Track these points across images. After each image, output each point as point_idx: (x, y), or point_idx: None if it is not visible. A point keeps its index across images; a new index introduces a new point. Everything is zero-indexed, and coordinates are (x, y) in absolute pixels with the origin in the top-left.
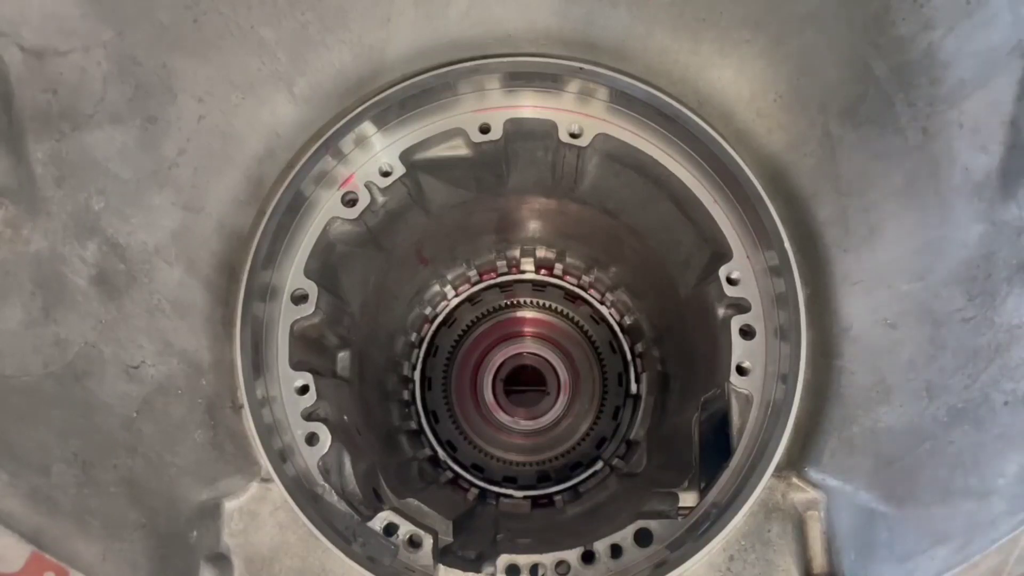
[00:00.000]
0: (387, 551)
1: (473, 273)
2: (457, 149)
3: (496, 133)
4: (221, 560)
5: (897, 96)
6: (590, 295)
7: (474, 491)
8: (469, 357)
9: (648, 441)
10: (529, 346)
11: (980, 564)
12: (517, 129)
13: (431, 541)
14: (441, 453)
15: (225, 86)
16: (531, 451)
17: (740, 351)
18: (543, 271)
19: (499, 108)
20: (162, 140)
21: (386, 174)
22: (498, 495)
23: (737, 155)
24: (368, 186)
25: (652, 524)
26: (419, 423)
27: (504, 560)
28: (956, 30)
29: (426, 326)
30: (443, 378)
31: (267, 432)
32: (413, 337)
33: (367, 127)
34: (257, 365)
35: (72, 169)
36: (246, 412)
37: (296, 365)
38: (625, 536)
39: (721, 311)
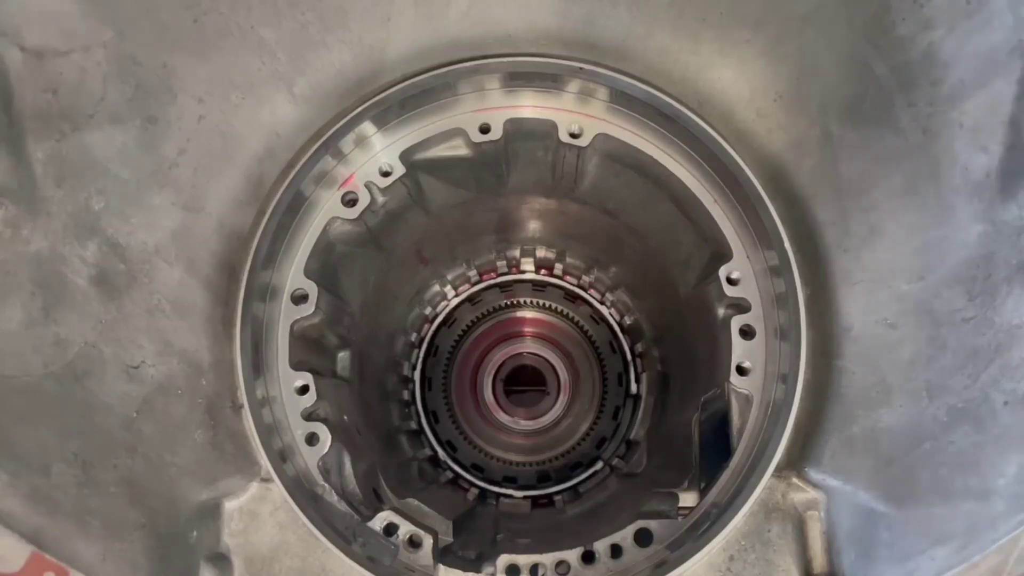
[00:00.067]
0: (387, 551)
1: (473, 273)
2: (457, 149)
3: (496, 133)
4: (221, 560)
5: (897, 96)
6: (590, 295)
7: (474, 491)
8: (469, 357)
9: (648, 441)
10: (529, 346)
11: (980, 564)
12: (517, 129)
13: (431, 541)
14: (441, 453)
15: (225, 86)
16: (531, 451)
17: (740, 351)
18: (543, 271)
19: (499, 108)
20: (162, 140)
21: (386, 174)
22: (498, 495)
23: (737, 155)
24: (368, 186)
25: (652, 524)
26: (419, 423)
27: (504, 560)
28: (956, 30)
29: (426, 326)
30: (443, 378)
31: (267, 432)
32: (413, 337)
33: (367, 127)
34: (257, 365)
35: (72, 169)
36: (246, 412)
37: (296, 365)
38: (625, 536)
39: (721, 311)
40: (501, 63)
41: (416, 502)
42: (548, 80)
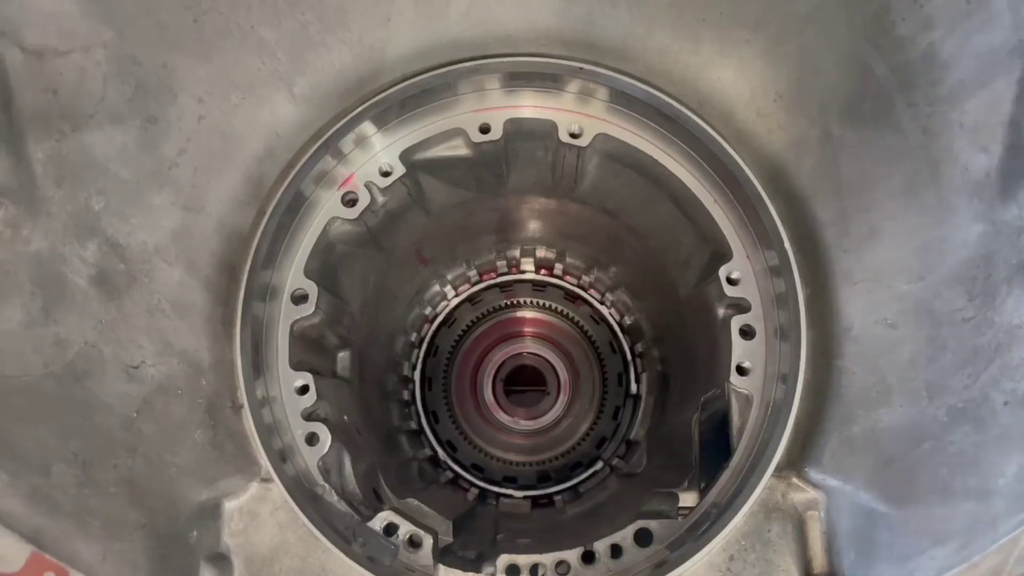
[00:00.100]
0: (387, 551)
1: (473, 273)
2: (457, 149)
3: (496, 133)
4: (221, 560)
5: (897, 96)
6: (590, 295)
7: (474, 491)
8: (469, 357)
9: (648, 441)
10: (529, 346)
11: (980, 564)
12: (517, 129)
13: (431, 541)
14: (441, 453)
15: (225, 86)
16: (531, 451)
17: (740, 351)
18: (543, 271)
19: (499, 108)
20: (162, 140)
21: (386, 174)
22: (498, 495)
23: (737, 155)
24: (368, 186)
25: (652, 524)
26: (419, 423)
27: (504, 560)
28: (956, 30)
29: (426, 326)
30: (443, 378)
31: (267, 432)
32: (413, 337)
33: (367, 127)
34: (257, 365)
35: (72, 169)
36: (246, 412)
37: (296, 365)
38: (625, 536)
39: (721, 311)
40: (501, 63)
41: (416, 502)
42: (548, 80)
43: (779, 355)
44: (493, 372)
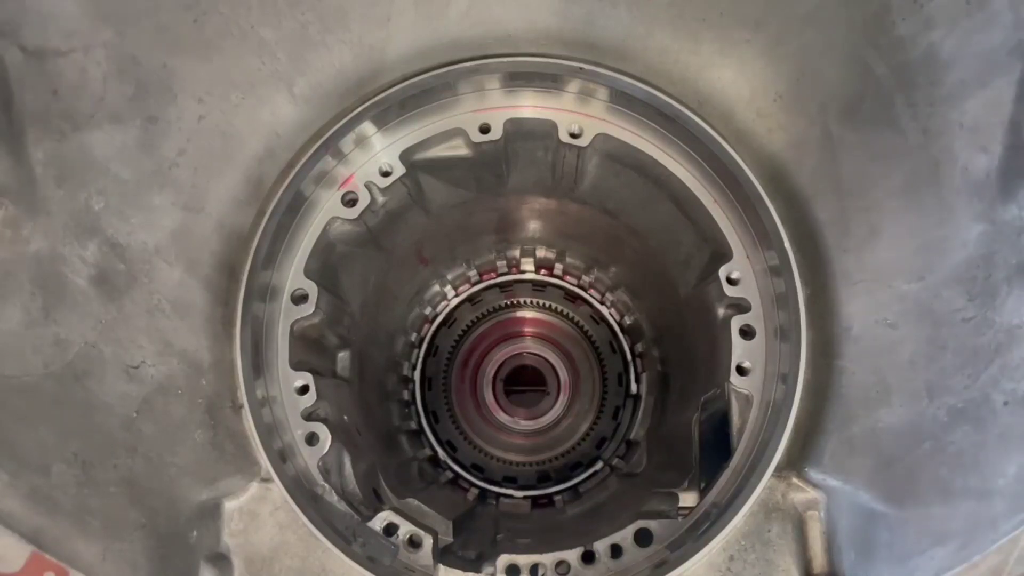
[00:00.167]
0: (387, 551)
1: (473, 273)
2: (457, 149)
3: (496, 133)
4: (221, 560)
5: (897, 96)
6: (590, 295)
7: (474, 491)
8: (469, 357)
9: (648, 441)
10: (529, 346)
11: (980, 564)
12: (517, 129)
13: (431, 541)
14: (441, 453)
15: (225, 86)
16: (531, 451)
17: (740, 351)
18: (543, 271)
19: (499, 108)
20: (162, 140)
21: (386, 174)
22: (498, 495)
23: (737, 155)
24: (368, 186)
25: (652, 524)
26: (419, 423)
27: (504, 560)
28: (956, 30)
29: (426, 326)
30: (443, 378)
31: (267, 432)
32: (413, 337)
33: (367, 127)
34: (257, 365)
35: (72, 169)
36: (246, 412)
37: (296, 365)
38: (625, 536)
39: (721, 311)
40: (501, 63)
41: (416, 502)
42: (548, 80)
43: (779, 355)
44: (493, 372)
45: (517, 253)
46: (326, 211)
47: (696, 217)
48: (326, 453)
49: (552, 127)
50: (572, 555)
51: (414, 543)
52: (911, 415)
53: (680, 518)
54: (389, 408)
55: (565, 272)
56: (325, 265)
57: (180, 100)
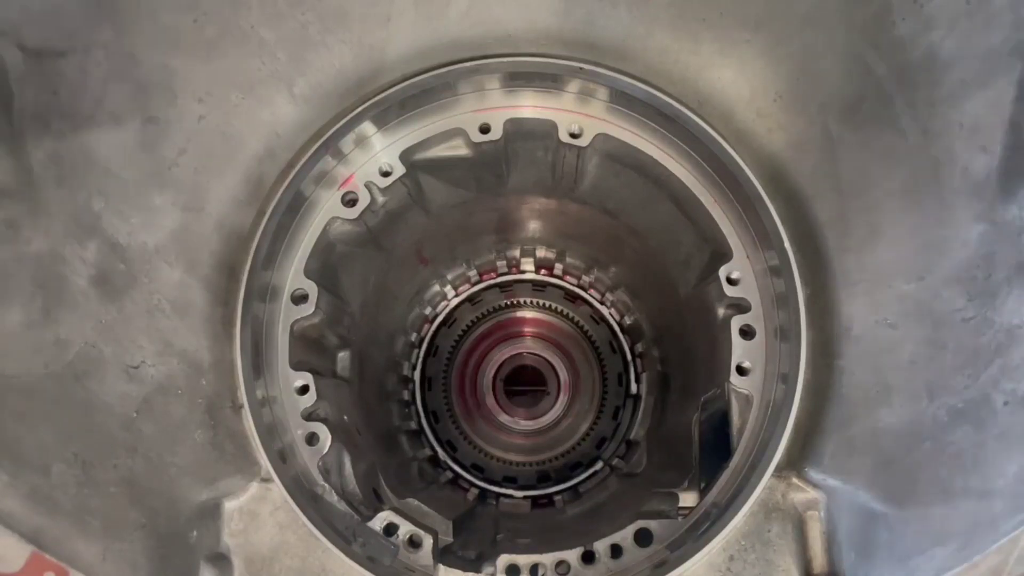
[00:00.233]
0: (387, 551)
1: (473, 273)
2: (457, 149)
3: (496, 133)
4: (221, 560)
5: (897, 96)
6: (590, 295)
7: (474, 491)
8: (469, 357)
9: (648, 441)
10: (529, 346)
11: (980, 564)
12: (517, 129)
13: (431, 541)
14: (441, 453)
15: (225, 86)
16: (531, 451)
17: (740, 351)
18: (543, 271)
19: (499, 108)
20: (162, 140)
21: (386, 174)
22: (498, 495)
23: (737, 155)
24: (368, 186)
25: (652, 524)
26: (419, 423)
27: (504, 560)
28: (956, 30)
29: (426, 326)
30: (443, 378)
31: (267, 432)
32: (413, 337)
33: (367, 127)
34: (257, 365)
35: (72, 169)
36: (246, 412)
37: (296, 365)
38: (625, 536)
39: (721, 311)
40: (501, 63)
41: (416, 502)
42: (548, 80)
43: (779, 355)
44: (493, 372)
45: (517, 253)
46: (326, 211)
47: (696, 217)
48: (326, 453)
49: (552, 127)
50: (572, 555)
51: (414, 543)
52: (911, 415)
53: (680, 518)
54: (389, 408)
55: (565, 272)
56: (325, 265)
57: (180, 100)
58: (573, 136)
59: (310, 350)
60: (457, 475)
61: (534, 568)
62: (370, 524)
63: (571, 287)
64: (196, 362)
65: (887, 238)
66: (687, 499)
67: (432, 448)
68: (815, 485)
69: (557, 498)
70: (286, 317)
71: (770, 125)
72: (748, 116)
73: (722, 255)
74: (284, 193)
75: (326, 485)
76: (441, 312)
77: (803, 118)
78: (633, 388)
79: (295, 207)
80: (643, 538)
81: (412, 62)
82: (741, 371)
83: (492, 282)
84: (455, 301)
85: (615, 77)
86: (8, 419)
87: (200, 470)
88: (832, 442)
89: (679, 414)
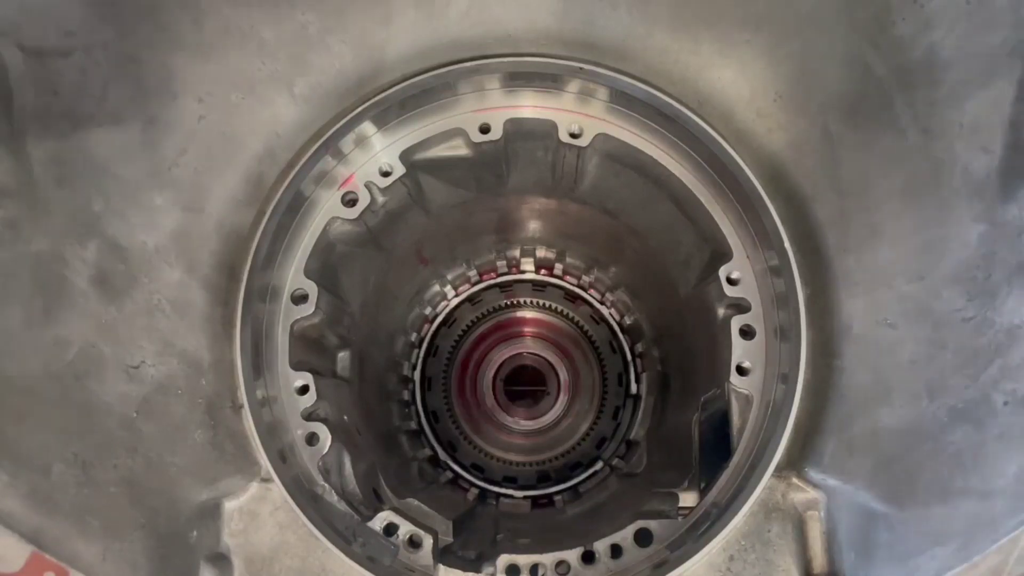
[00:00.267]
0: (387, 551)
1: (473, 273)
2: (457, 149)
3: (496, 133)
4: (221, 560)
5: (897, 96)
6: (590, 295)
7: (474, 491)
8: (469, 357)
9: (648, 441)
10: (529, 346)
11: (980, 564)
12: (517, 129)
13: (431, 541)
14: (441, 453)
15: (225, 86)
16: (531, 451)
17: (740, 351)
18: (543, 271)
19: (499, 108)
20: (162, 140)
21: (386, 174)
22: (498, 495)
23: (737, 155)
24: (368, 186)
25: (652, 524)
26: (419, 423)
27: (504, 560)
28: (956, 30)
29: (426, 326)
30: (443, 378)
31: (267, 432)
32: (413, 337)
33: (367, 127)
34: (257, 365)
35: (72, 169)
36: (246, 412)
37: (296, 365)
38: (625, 536)
39: (721, 311)
40: (501, 63)
41: (416, 502)
42: (548, 80)
43: (779, 355)
44: (493, 372)
45: (517, 253)
46: (326, 211)
47: (696, 217)
48: (326, 453)
49: (552, 127)
50: (572, 555)
51: (414, 543)
52: (911, 415)
53: (680, 518)
54: (389, 408)
55: (565, 272)
56: (325, 265)
57: (180, 100)
58: (573, 136)
59: (310, 350)
60: (457, 475)
61: (534, 568)
62: (370, 524)
63: (571, 287)
64: (196, 362)
65: (887, 238)
66: (687, 499)
67: (432, 448)
68: (815, 485)
69: (557, 498)
70: (286, 317)
71: (770, 125)
72: (748, 116)
73: (722, 255)
74: (284, 193)
75: (326, 485)
76: (441, 312)
77: (803, 118)
78: (633, 388)
79: (295, 207)
80: (643, 538)
81: (412, 62)
82: (741, 371)
83: (492, 282)
84: (455, 301)
85: (615, 77)
86: (8, 419)
87: (200, 470)
88: (832, 442)
89: (679, 414)
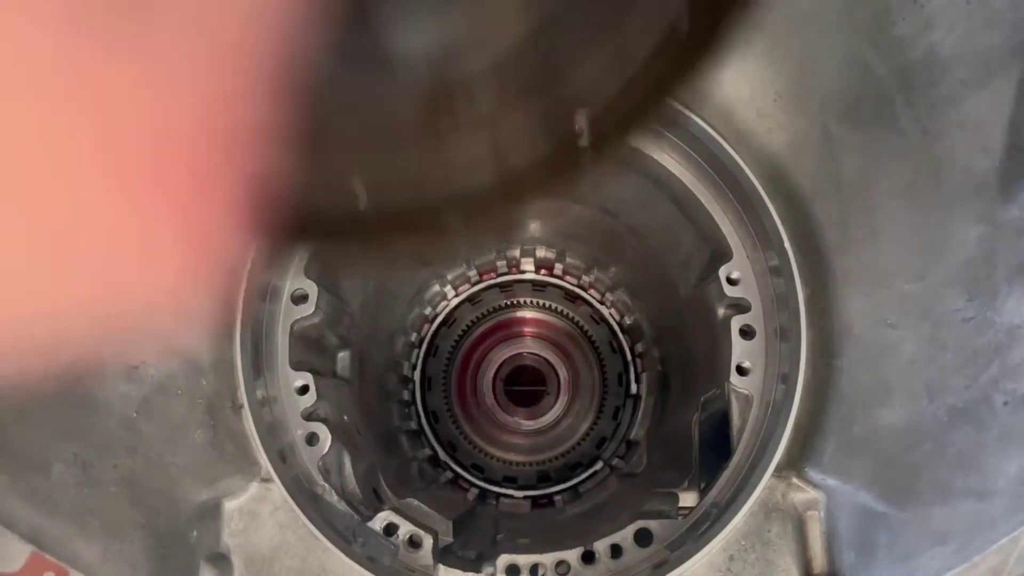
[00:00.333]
0: (387, 551)
1: (473, 273)
2: None
3: None
4: (221, 560)
5: (897, 96)
6: (590, 295)
7: (474, 491)
8: (469, 357)
9: (648, 441)
10: (529, 346)
11: (980, 564)
12: None
13: (431, 541)
14: (441, 453)
15: None
16: (531, 451)
17: (740, 351)
18: (543, 271)
19: None
20: None
21: None
22: (498, 495)
23: (737, 155)
24: None
25: (652, 524)
26: (419, 423)
27: (504, 560)
28: (956, 30)
29: (426, 326)
30: (443, 378)
31: (267, 432)
32: (413, 337)
33: None
34: (257, 365)
35: None
36: (246, 412)
37: (296, 365)
38: (625, 536)
39: (721, 311)
40: None
41: (416, 502)
42: None
43: (779, 355)
44: (493, 372)
45: (517, 253)
46: None
47: (696, 217)
48: (326, 453)
49: None
50: (572, 555)
51: (414, 543)
52: (911, 415)
53: (680, 518)
54: (389, 408)
55: (565, 272)
56: (325, 265)
57: None
58: None
59: (310, 350)
60: (457, 475)
61: (534, 568)
62: (370, 524)
63: (571, 287)
64: (196, 362)
65: (887, 238)
66: (687, 499)
67: (432, 448)
68: (815, 485)
69: (557, 498)
70: (286, 317)
71: (770, 125)
72: (748, 116)
73: (722, 255)
74: None
75: (326, 485)
76: (441, 312)
77: (803, 118)
78: (633, 388)
79: None
80: (643, 538)
81: None
82: (741, 371)
83: (492, 282)
84: (455, 301)
85: None
86: (8, 419)
87: (200, 470)
88: (832, 442)
89: (679, 414)
